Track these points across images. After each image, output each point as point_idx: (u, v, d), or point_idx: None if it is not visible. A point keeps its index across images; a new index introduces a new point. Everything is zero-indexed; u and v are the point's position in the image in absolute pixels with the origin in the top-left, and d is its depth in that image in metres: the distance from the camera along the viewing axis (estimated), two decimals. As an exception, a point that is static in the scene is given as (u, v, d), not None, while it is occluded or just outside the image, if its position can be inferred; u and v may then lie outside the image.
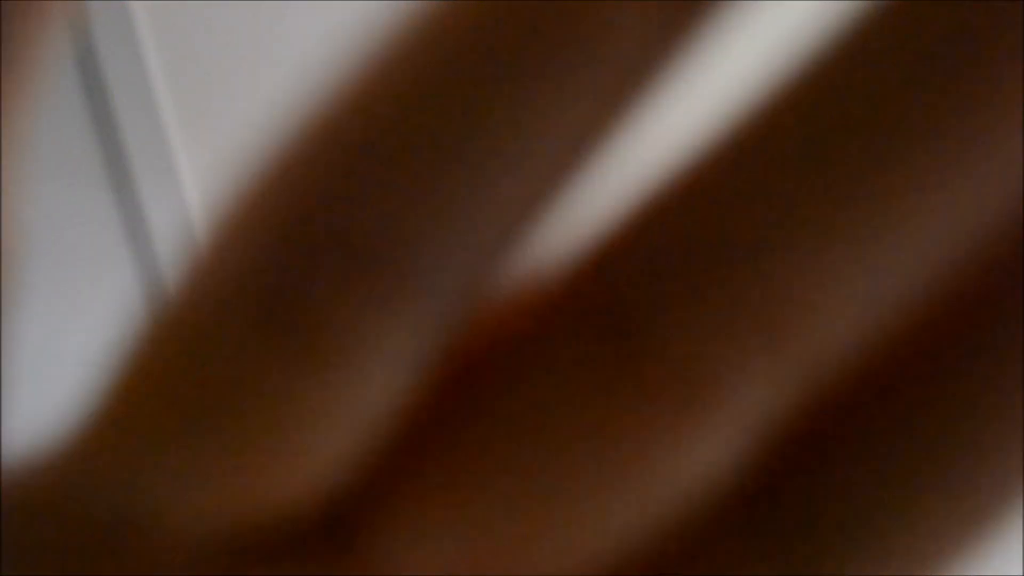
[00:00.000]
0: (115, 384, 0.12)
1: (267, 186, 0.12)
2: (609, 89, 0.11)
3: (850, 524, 0.12)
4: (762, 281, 0.11)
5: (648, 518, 0.12)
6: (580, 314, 0.12)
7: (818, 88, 0.11)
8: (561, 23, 0.11)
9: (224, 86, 1.49)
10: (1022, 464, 0.12)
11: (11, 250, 0.14)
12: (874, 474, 0.12)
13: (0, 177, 0.13)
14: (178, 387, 0.12)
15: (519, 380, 0.12)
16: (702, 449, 0.12)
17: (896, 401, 0.12)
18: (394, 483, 0.12)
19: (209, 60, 1.48)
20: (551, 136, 0.11)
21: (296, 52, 1.51)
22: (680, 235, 0.12)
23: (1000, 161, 0.11)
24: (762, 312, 0.11)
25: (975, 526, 0.12)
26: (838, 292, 0.11)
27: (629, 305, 0.12)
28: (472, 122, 0.11)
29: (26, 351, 1.41)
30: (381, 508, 0.13)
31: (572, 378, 0.12)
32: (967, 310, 0.12)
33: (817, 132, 0.11)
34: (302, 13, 1.51)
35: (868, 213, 0.11)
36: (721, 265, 0.11)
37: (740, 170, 0.11)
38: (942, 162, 0.11)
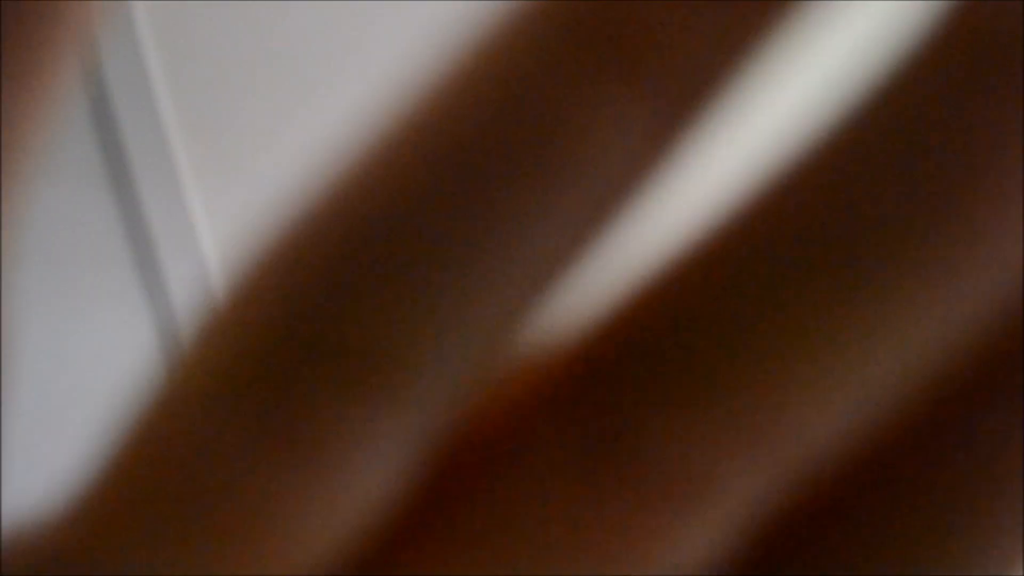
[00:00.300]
0: (104, 476, 0.12)
1: (260, 284, 0.12)
2: (595, 200, 0.11)
3: None
4: (749, 382, 0.11)
5: None
6: (567, 416, 0.12)
7: (806, 188, 0.11)
8: (539, 140, 0.11)
9: (225, 86, 1.49)
10: (1022, 551, 0.12)
11: (9, 253, 0.14)
12: (869, 561, 0.12)
13: (1, 181, 0.13)
14: (166, 487, 0.12)
15: (509, 478, 0.12)
16: (689, 543, 0.12)
17: (890, 488, 0.12)
18: (388, 572, 0.13)
19: (210, 60, 1.48)
20: (540, 242, 0.11)
21: (296, 51, 1.51)
22: (665, 335, 0.12)
23: (993, 262, 0.11)
24: (749, 413, 0.11)
25: None
26: (828, 394, 0.11)
27: (614, 407, 0.12)
28: (464, 228, 0.11)
29: (26, 354, 1.41)
30: None
31: (560, 477, 0.12)
32: (962, 396, 0.12)
33: (804, 234, 0.11)
34: (302, 13, 1.51)
35: (856, 317, 0.11)
36: (707, 367, 0.11)
37: (727, 271, 0.11)
38: (933, 267, 0.11)
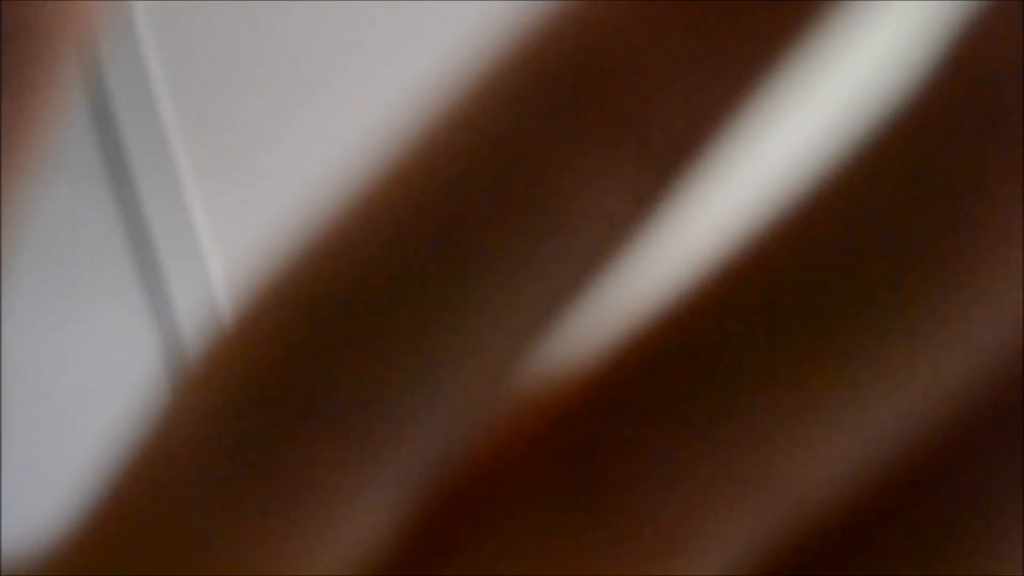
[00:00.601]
0: (88, 522, 0.12)
1: (252, 328, 0.12)
2: (586, 252, 0.11)
3: None
4: (740, 431, 0.11)
5: None
6: (553, 463, 0.12)
7: (794, 243, 0.11)
8: (523, 196, 0.11)
9: (225, 86, 1.49)
10: None
11: (9, 253, 0.14)
12: None
13: (2, 181, 0.13)
14: (149, 535, 0.12)
15: (494, 527, 0.12)
16: None
17: (883, 537, 0.12)
18: None
19: (210, 60, 1.48)
20: (533, 295, 0.11)
21: (296, 51, 1.51)
22: (652, 383, 0.12)
23: (992, 316, 0.11)
24: (737, 463, 0.11)
25: None
26: (820, 445, 0.11)
27: (601, 455, 0.12)
28: (456, 278, 0.11)
29: (26, 354, 1.41)
30: None
31: (546, 526, 0.12)
32: (959, 448, 0.12)
33: (797, 284, 0.11)
34: (302, 13, 1.51)
35: (846, 369, 0.11)
36: (695, 414, 0.11)
37: (719, 317, 0.11)
38: (928, 319, 0.11)
